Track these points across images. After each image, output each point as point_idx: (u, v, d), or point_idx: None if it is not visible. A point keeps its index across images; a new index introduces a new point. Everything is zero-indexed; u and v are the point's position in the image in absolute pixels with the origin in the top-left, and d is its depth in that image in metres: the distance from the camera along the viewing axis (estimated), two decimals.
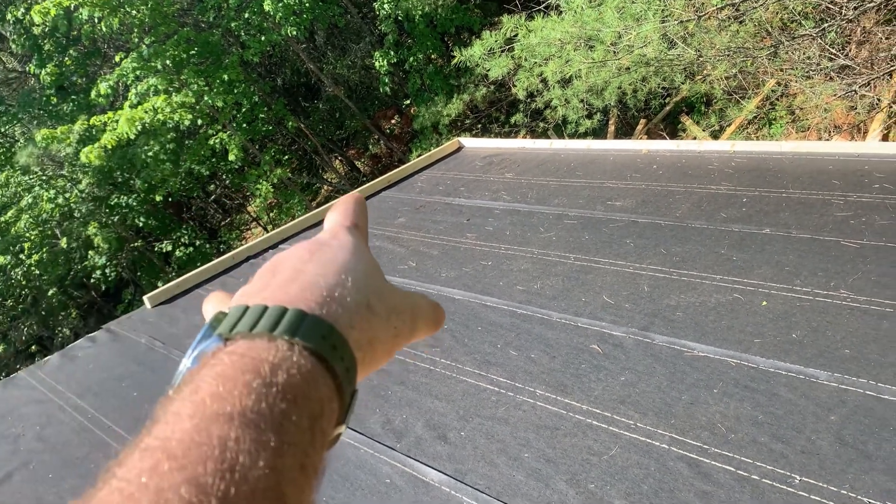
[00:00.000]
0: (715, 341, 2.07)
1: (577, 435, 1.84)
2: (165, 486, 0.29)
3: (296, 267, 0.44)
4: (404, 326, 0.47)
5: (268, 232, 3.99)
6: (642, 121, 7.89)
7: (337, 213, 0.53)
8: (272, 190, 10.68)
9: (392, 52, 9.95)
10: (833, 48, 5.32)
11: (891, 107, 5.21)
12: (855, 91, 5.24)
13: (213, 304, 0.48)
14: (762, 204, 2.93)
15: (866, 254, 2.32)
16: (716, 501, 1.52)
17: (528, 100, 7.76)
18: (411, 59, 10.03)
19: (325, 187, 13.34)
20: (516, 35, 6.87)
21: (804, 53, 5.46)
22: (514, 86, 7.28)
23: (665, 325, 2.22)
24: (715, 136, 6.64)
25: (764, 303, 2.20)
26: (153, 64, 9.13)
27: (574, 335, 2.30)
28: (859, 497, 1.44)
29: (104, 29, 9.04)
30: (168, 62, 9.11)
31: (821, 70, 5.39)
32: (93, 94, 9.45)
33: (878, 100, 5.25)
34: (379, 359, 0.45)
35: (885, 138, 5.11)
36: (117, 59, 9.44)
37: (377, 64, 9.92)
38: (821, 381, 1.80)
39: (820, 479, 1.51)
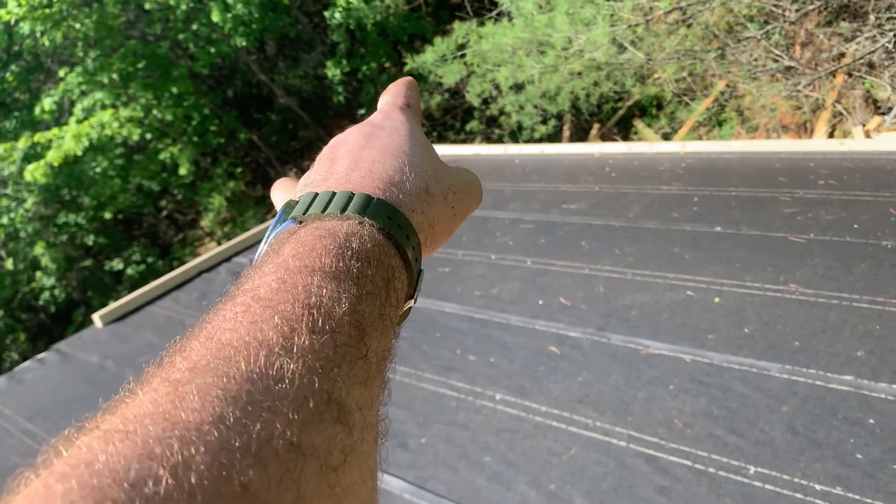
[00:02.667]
0: (670, 338, 2.09)
1: (537, 436, 1.84)
2: (258, 319, 0.32)
3: (353, 153, 0.47)
4: (460, 205, 0.50)
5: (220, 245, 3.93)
6: (596, 125, 7.99)
7: (389, 95, 0.55)
8: (225, 204, 10.50)
9: (345, 62, 9.87)
10: (777, 50, 5.46)
11: (834, 106, 5.37)
12: (799, 91, 5.39)
13: (280, 190, 0.52)
14: (713, 203, 2.98)
15: (813, 248, 2.38)
16: (674, 495, 1.54)
17: (483, 106, 7.79)
18: (364, 68, 9.97)
19: None
20: (468, 42, 6.90)
21: (750, 55, 5.59)
22: (468, 92, 7.29)
23: (621, 324, 2.24)
24: (667, 138, 6.75)
25: (716, 299, 2.23)
26: (99, 78, 8.89)
27: (532, 338, 2.30)
28: (811, 484, 1.46)
29: (47, 43, 8.77)
30: (115, 76, 8.88)
31: (766, 71, 5.54)
32: (37, 110, 9.16)
33: (823, 99, 5.41)
34: (439, 238, 0.49)
35: (830, 137, 5.26)
36: (61, 73, 9.16)
37: (330, 73, 9.82)
38: (773, 373, 1.83)
39: (773, 468, 1.53)
